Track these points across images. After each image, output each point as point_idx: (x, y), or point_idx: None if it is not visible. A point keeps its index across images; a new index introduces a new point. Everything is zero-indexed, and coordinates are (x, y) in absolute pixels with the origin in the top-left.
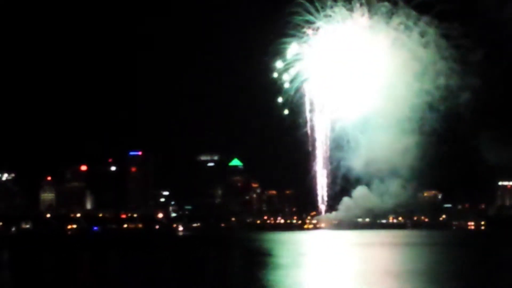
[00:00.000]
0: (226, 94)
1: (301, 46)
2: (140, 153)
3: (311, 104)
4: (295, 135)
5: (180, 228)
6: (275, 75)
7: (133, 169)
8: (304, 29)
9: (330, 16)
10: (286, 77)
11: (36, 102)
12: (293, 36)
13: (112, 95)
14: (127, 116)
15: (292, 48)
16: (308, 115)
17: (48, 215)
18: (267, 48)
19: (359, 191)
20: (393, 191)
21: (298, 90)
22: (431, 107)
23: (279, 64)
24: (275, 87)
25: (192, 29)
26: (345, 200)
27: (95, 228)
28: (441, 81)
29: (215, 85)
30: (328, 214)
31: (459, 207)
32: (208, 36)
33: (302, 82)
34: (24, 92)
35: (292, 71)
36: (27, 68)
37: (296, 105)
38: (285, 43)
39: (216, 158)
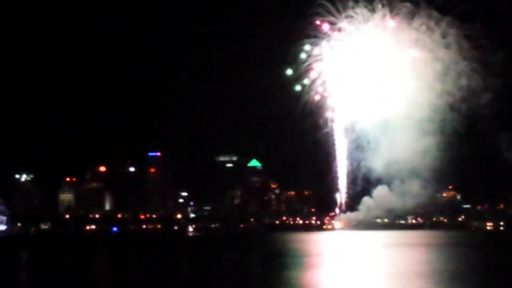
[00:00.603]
0: (245, 95)
1: (322, 47)
2: (159, 154)
3: (331, 105)
4: (315, 136)
5: (190, 228)
6: (295, 76)
7: (152, 170)
8: (325, 30)
9: (351, 17)
10: (306, 77)
11: (55, 103)
12: (314, 37)
13: (131, 97)
14: (146, 117)
15: (313, 49)
16: (328, 116)
17: (67, 216)
18: (287, 48)
19: (380, 191)
20: (414, 191)
21: (318, 90)
22: (452, 107)
23: (299, 64)
24: (295, 88)
25: (211, 31)
26: (366, 199)
27: (115, 228)
28: (463, 81)
29: (234, 86)
30: (348, 213)
31: (478, 207)
32: (228, 37)
33: (322, 82)
34: (43, 93)
35: (313, 72)
36: (46, 69)
37: (316, 106)
38: (305, 43)
39: (235, 158)
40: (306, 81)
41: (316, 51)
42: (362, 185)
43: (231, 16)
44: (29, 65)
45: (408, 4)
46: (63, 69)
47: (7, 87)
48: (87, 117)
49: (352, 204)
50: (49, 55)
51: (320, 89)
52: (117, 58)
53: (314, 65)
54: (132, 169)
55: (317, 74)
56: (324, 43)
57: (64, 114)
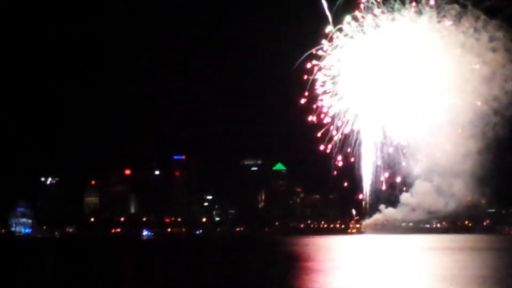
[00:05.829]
0: (270, 97)
1: (365, 48)
2: (184, 157)
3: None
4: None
5: (144, 232)
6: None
7: (177, 173)
8: (368, 32)
9: (397, 19)
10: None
11: (81, 106)
12: (355, 38)
13: (155, 100)
14: (172, 120)
15: (355, 50)
16: (360, 118)
17: (92, 219)
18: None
19: (420, 186)
20: (455, 191)
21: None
22: (496, 112)
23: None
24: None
25: (241, 34)
26: (405, 197)
27: (146, 232)
28: (509, 86)
29: (259, 89)
30: (390, 209)
31: (503, 211)
32: (255, 38)
33: (362, 85)
34: (69, 96)
35: (351, 73)
36: (71, 72)
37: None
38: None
39: (259, 162)
40: (341, 82)
41: (356, 52)
42: (400, 187)
43: (262, 18)
44: (55, 67)
45: (456, 6)
46: (88, 71)
47: (33, 90)
48: (113, 120)
49: (388, 206)
50: (76, 57)
51: (359, 92)
52: (143, 60)
53: (353, 67)
54: (157, 172)
55: (357, 76)
56: (366, 45)
57: (89, 117)
